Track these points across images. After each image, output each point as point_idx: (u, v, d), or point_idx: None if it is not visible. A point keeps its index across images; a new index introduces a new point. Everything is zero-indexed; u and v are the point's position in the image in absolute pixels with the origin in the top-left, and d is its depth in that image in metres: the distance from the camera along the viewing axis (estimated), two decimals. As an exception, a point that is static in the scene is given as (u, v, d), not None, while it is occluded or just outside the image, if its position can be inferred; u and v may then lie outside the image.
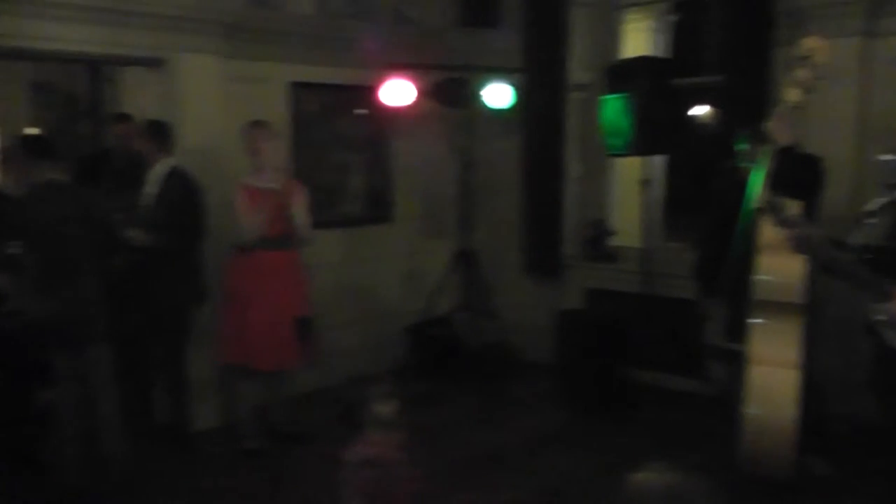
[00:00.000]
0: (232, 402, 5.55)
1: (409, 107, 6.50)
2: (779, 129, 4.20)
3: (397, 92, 6.40)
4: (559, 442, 5.50)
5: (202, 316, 5.37)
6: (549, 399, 6.28)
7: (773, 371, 4.05)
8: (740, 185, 4.44)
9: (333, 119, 6.62)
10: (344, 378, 5.60)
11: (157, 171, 5.20)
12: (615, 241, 6.88)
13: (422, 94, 6.53)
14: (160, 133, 5.25)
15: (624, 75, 5.68)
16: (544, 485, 4.83)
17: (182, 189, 5.17)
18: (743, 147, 4.67)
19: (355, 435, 3.47)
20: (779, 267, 4.02)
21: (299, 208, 5.26)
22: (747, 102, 4.93)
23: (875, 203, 3.08)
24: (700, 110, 7.19)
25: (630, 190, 6.42)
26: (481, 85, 6.62)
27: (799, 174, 4.38)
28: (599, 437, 5.51)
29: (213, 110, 5.62)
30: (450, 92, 6.65)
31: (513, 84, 6.66)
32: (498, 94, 6.64)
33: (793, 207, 3.77)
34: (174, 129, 5.31)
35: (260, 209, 5.05)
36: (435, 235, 7.26)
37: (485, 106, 6.69)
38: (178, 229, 5.12)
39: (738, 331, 4.30)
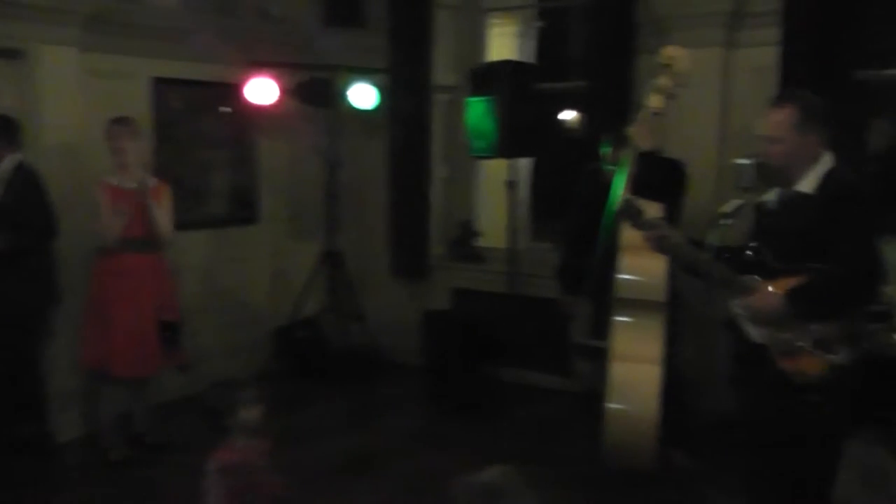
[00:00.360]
0: (96, 411, 5.31)
1: (274, 106, 6.38)
2: (640, 135, 4.35)
3: (262, 90, 6.27)
4: (426, 443, 5.51)
5: (66, 320, 5.13)
6: (416, 400, 6.28)
7: (635, 367, 4.19)
8: (604, 187, 4.58)
9: (198, 117, 6.41)
10: (210, 383, 5.44)
11: (3, 168, 4.92)
12: (482, 242, 6.98)
13: (286, 92, 6.43)
14: (5, 128, 4.97)
15: (487, 78, 5.74)
16: (409, 486, 4.83)
17: (28, 186, 4.90)
18: (606, 151, 4.81)
19: (220, 441, 3.39)
20: (640, 266, 4.16)
21: (162, 209, 5.10)
22: (611, 107, 5.10)
23: (731, 205, 3.21)
24: (568, 114, 7.38)
25: (497, 191, 6.50)
26: (346, 85, 6.58)
27: (660, 178, 4.57)
28: (466, 437, 5.55)
29: (72, 105, 5.35)
30: (314, 91, 6.56)
31: (378, 84, 6.66)
32: (363, 95, 6.61)
33: (650, 209, 3.92)
34: (20, 124, 5.04)
35: (122, 210, 4.87)
36: (302, 236, 7.16)
37: (350, 106, 6.65)
38: (27, 228, 4.86)
39: (602, 328, 4.42)
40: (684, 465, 4.99)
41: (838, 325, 2.85)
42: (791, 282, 2.94)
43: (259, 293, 6.99)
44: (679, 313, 4.83)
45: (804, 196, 3.01)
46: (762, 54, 5.49)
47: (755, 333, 3.07)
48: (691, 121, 5.60)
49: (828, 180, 2.98)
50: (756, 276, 3.07)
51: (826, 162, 3.02)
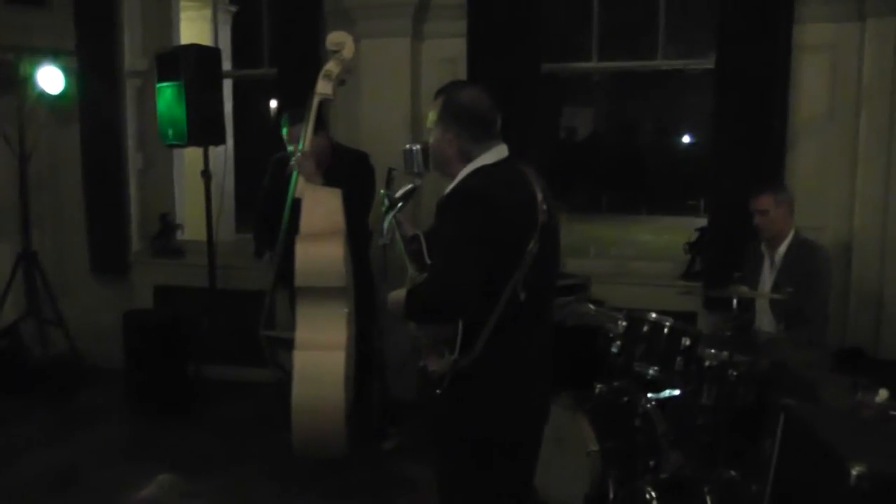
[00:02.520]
0: None
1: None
2: (305, 168, 4.34)
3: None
4: (132, 450, 5.26)
5: None
6: (120, 406, 5.97)
7: (318, 354, 4.16)
8: (289, 176, 4.52)
9: None
10: None
11: None
12: (185, 235, 6.73)
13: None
14: None
15: (174, 63, 5.48)
16: (111, 498, 4.59)
17: None
18: (285, 131, 4.75)
19: None
20: (317, 254, 4.12)
21: None
22: (301, 95, 4.96)
23: (402, 190, 3.14)
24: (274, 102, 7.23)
25: (198, 181, 6.26)
26: (32, 68, 6.07)
27: (344, 169, 4.58)
28: (171, 440, 5.38)
29: None
30: (-4, 74, 6.03)
31: (66, 68, 6.21)
32: (51, 79, 6.15)
33: (331, 196, 3.88)
34: None
35: None
36: (-5, 236, 6.55)
37: (39, 91, 6.16)
38: None
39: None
40: (391, 445, 5.12)
41: (444, 329, 2.71)
42: None
43: (-48, 305, 6.30)
44: (376, 297, 4.87)
45: (441, 197, 2.85)
46: (451, 45, 5.65)
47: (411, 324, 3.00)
48: (383, 110, 5.65)
49: (458, 183, 2.77)
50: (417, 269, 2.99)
51: (479, 162, 2.77)
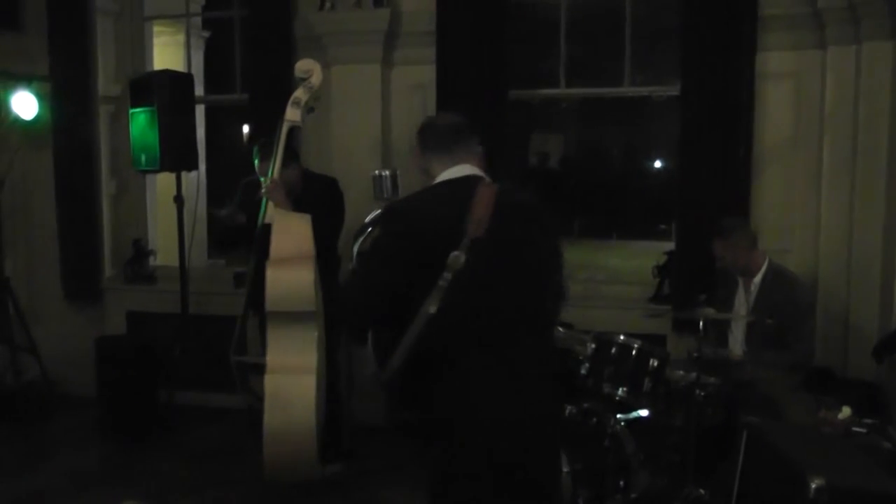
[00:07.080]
0: None
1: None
2: (275, 197, 4.38)
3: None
4: (103, 478, 5.21)
5: None
6: (92, 433, 5.93)
7: (289, 378, 4.15)
8: (259, 202, 4.55)
9: None
10: None
11: None
12: (158, 261, 6.72)
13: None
14: None
15: (147, 89, 5.52)
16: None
17: None
18: (256, 161, 4.78)
19: None
20: (286, 279, 4.12)
21: None
22: (272, 121, 5.02)
23: (372, 215, 3.19)
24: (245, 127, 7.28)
25: (170, 207, 6.28)
26: (6, 94, 6.10)
27: (313, 194, 4.62)
28: (143, 467, 5.34)
29: None
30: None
31: (40, 93, 6.23)
32: (24, 104, 6.18)
33: (300, 221, 3.91)
34: None
35: None
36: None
37: (13, 117, 6.18)
38: None
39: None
40: (349, 471, 5.09)
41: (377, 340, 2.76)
42: None
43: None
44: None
45: None
46: (420, 72, 5.74)
47: None
48: (353, 135, 5.71)
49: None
50: None
51: (441, 178, 2.79)
